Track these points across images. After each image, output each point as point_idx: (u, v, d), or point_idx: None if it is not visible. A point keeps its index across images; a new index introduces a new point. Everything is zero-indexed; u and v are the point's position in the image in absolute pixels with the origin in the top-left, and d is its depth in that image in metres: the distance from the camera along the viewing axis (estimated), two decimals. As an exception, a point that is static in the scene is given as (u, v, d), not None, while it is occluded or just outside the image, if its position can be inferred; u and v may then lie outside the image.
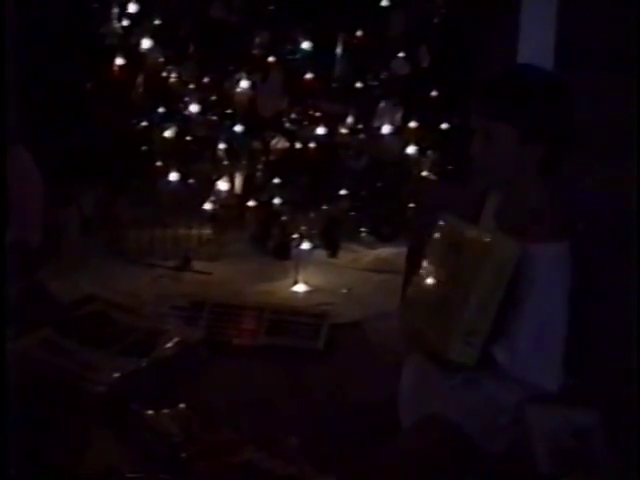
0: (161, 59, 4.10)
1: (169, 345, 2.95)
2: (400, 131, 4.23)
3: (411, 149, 4.23)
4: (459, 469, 2.17)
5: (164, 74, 4.12)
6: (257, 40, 4.02)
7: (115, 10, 4.11)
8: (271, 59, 4.06)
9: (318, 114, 4.15)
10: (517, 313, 2.11)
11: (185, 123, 4.14)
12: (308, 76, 4.08)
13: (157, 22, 4.09)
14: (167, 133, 4.14)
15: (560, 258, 2.13)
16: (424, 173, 4.26)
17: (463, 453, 2.18)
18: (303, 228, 4.14)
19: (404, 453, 2.18)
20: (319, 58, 4.09)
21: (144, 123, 4.19)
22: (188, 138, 4.17)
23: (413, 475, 2.14)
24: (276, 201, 4.13)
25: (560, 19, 3.27)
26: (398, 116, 4.22)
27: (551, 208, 2.19)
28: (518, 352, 2.12)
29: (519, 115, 2.14)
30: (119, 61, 4.10)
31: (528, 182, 2.21)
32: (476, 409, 2.19)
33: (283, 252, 4.16)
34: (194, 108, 4.09)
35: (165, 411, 2.48)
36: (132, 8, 4.10)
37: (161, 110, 4.16)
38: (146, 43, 4.07)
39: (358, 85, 4.19)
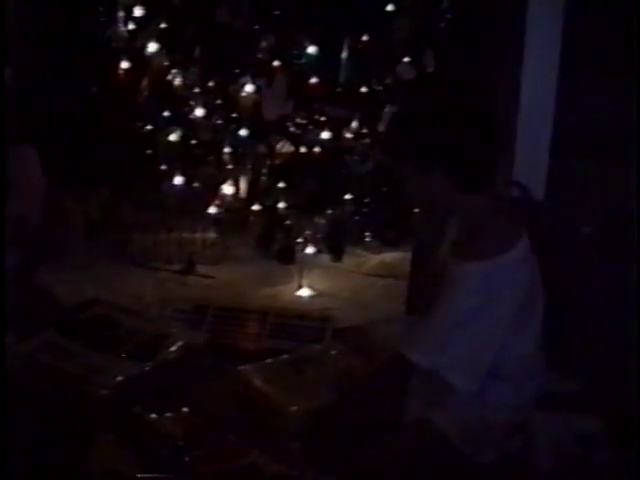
0: (166, 63, 4.10)
1: (173, 348, 2.95)
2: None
3: (416, 154, 4.22)
4: (443, 475, 2.18)
5: (169, 78, 4.12)
6: (262, 44, 4.02)
7: (121, 13, 4.10)
8: (276, 63, 4.05)
9: (323, 118, 4.15)
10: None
11: (190, 127, 4.13)
12: (313, 80, 4.07)
13: (163, 26, 4.08)
14: (172, 137, 4.13)
15: (481, 275, 2.13)
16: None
17: (447, 460, 2.18)
18: (307, 232, 4.14)
19: (388, 456, 2.21)
20: (324, 62, 4.08)
21: (149, 127, 4.19)
22: (193, 142, 4.16)
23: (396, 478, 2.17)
24: (281, 205, 4.13)
25: (566, 24, 3.26)
26: (403, 121, 4.21)
27: (482, 225, 2.18)
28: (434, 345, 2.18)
29: (404, 150, 2.17)
30: (124, 65, 4.09)
31: (454, 204, 2.22)
32: (464, 420, 2.20)
33: (287, 256, 4.15)
34: (199, 112, 4.09)
35: (168, 415, 2.48)
36: (138, 12, 4.09)
37: (166, 114, 4.15)
38: (151, 47, 4.05)
39: (363, 89, 4.18)
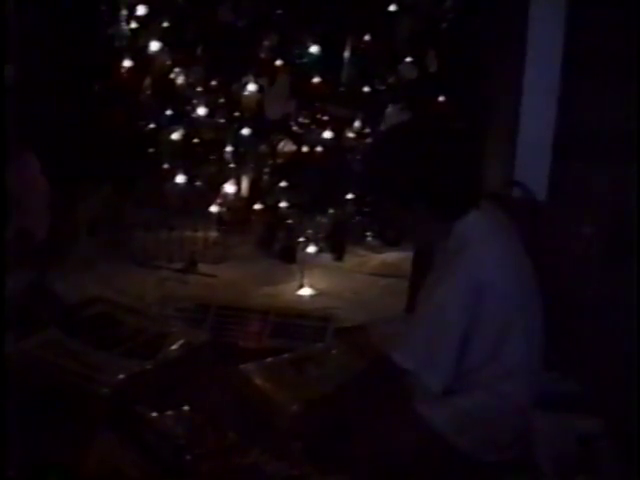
0: (169, 62, 4.10)
1: (174, 347, 2.96)
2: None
3: (418, 154, 4.22)
4: (443, 473, 2.19)
5: (172, 76, 4.13)
6: (265, 43, 4.03)
7: (124, 12, 4.11)
8: (279, 62, 4.06)
9: (325, 118, 4.15)
10: None
11: (192, 126, 4.14)
12: (315, 80, 4.08)
13: (165, 25, 4.10)
14: (174, 135, 4.14)
15: None
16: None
17: (445, 457, 2.20)
18: (309, 232, 4.15)
19: (385, 450, 2.22)
20: (327, 62, 4.09)
21: (152, 125, 4.20)
22: (195, 141, 4.17)
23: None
24: (282, 204, 4.14)
25: (568, 25, 3.27)
26: (405, 120, 4.21)
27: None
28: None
29: (380, 190, 2.31)
30: (127, 63, 4.10)
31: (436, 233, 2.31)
32: (461, 417, 2.21)
33: (289, 255, 4.16)
34: (201, 111, 4.10)
35: (170, 413, 2.49)
36: (141, 10, 4.10)
37: (169, 112, 4.16)
38: (154, 45, 4.07)
39: (365, 89, 4.19)
